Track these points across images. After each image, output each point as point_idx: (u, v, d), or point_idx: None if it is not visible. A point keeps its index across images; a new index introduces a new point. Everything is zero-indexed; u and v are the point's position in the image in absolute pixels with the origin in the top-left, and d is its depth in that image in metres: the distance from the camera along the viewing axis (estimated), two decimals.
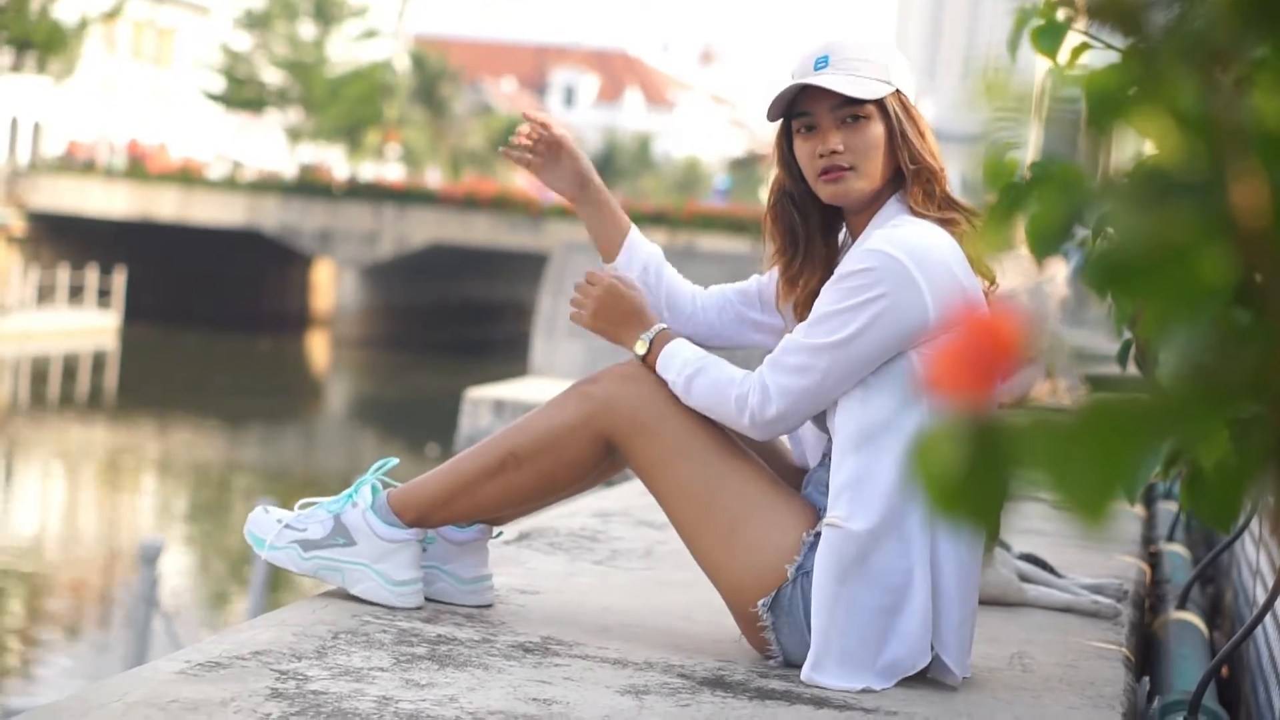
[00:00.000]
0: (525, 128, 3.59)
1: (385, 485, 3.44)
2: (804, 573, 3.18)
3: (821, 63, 3.19)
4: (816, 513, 3.24)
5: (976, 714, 3.04)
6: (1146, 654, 4.21)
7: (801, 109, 3.22)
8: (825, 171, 3.19)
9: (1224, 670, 4.18)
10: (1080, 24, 1.98)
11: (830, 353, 3.07)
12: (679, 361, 3.25)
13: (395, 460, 3.49)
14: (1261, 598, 3.99)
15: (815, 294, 3.28)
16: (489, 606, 3.47)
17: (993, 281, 3.19)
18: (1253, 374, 0.81)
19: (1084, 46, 1.98)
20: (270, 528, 3.42)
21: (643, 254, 3.56)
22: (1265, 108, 0.80)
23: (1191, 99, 0.79)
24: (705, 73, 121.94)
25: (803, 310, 3.33)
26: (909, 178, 3.18)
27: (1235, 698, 4.25)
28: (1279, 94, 0.80)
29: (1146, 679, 3.81)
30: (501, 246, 46.54)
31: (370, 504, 3.38)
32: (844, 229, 3.36)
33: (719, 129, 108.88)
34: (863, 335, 3.06)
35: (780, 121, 3.29)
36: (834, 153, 3.17)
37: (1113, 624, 4.11)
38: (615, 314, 3.36)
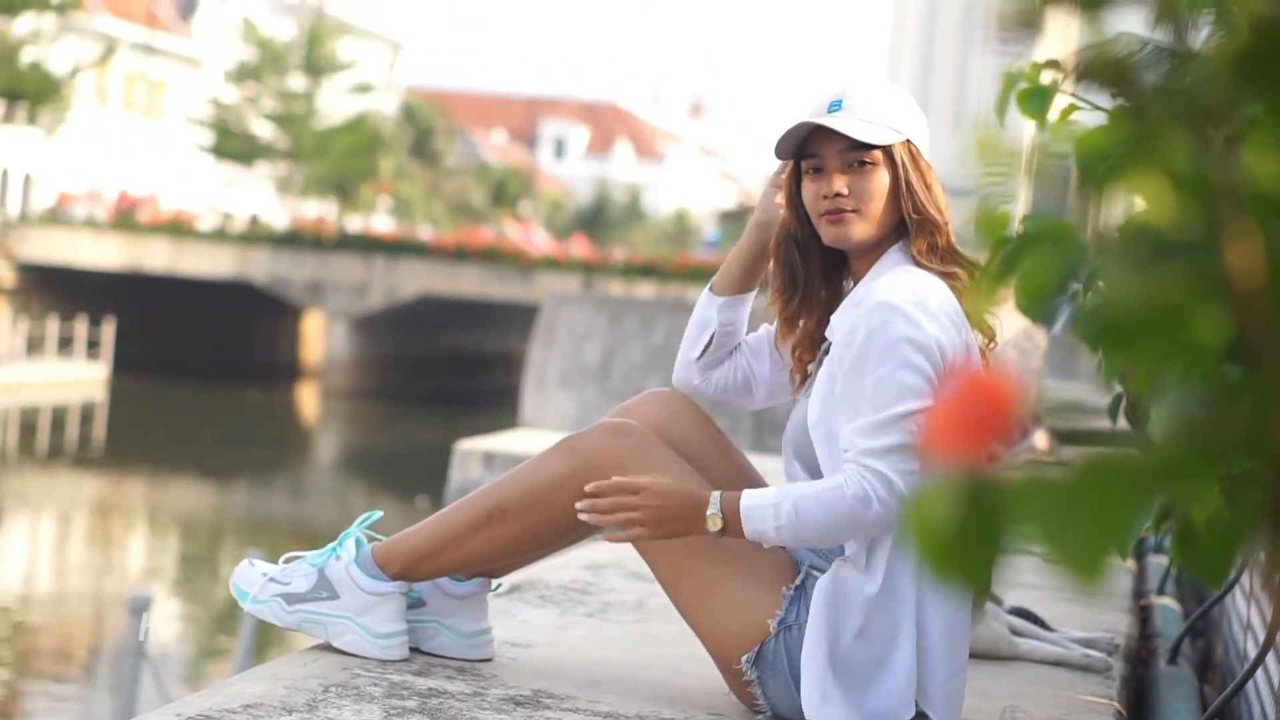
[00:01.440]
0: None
1: (370, 539, 3.44)
2: (786, 626, 3.18)
3: (835, 105, 3.20)
4: (796, 565, 3.24)
5: None
6: (1138, 708, 4.20)
7: (811, 150, 3.24)
8: (828, 213, 3.20)
9: None
10: (1068, 85, 1.99)
11: (913, 415, 3.02)
12: (768, 508, 3.10)
13: (379, 513, 3.49)
14: (1253, 652, 3.98)
15: (813, 336, 3.28)
16: (489, 660, 3.46)
17: (991, 339, 3.18)
18: (1245, 431, 0.81)
19: (1072, 108, 1.99)
20: (255, 581, 3.42)
21: (739, 317, 3.51)
22: (1259, 167, 0.80)
23: (1185, 159, 0.80)
24: (695, 125, 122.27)
25: (802, 351, 3.32)
26: (912, 228, 3.19)
27: None
28: (1273, 153, 0.80)
29: None
30: (491, 298, 46.58)
31: (354, 557, 3.38)
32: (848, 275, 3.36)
33: (709, 181, 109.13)
34: (917, 383, 3.03)
35: (791, 164, 3.30)
36: (838, 195, 3.18)
37: (1104, 678, 4.10)
38: (676, 512, 3.16)
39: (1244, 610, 4.38)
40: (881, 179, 3.19)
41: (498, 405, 41.51)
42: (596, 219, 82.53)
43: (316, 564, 3.41)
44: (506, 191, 74.22)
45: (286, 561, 3.46)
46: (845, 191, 3.18)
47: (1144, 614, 5.44)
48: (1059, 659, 4.17)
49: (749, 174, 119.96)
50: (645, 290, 43.70)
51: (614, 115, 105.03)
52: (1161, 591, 5.65)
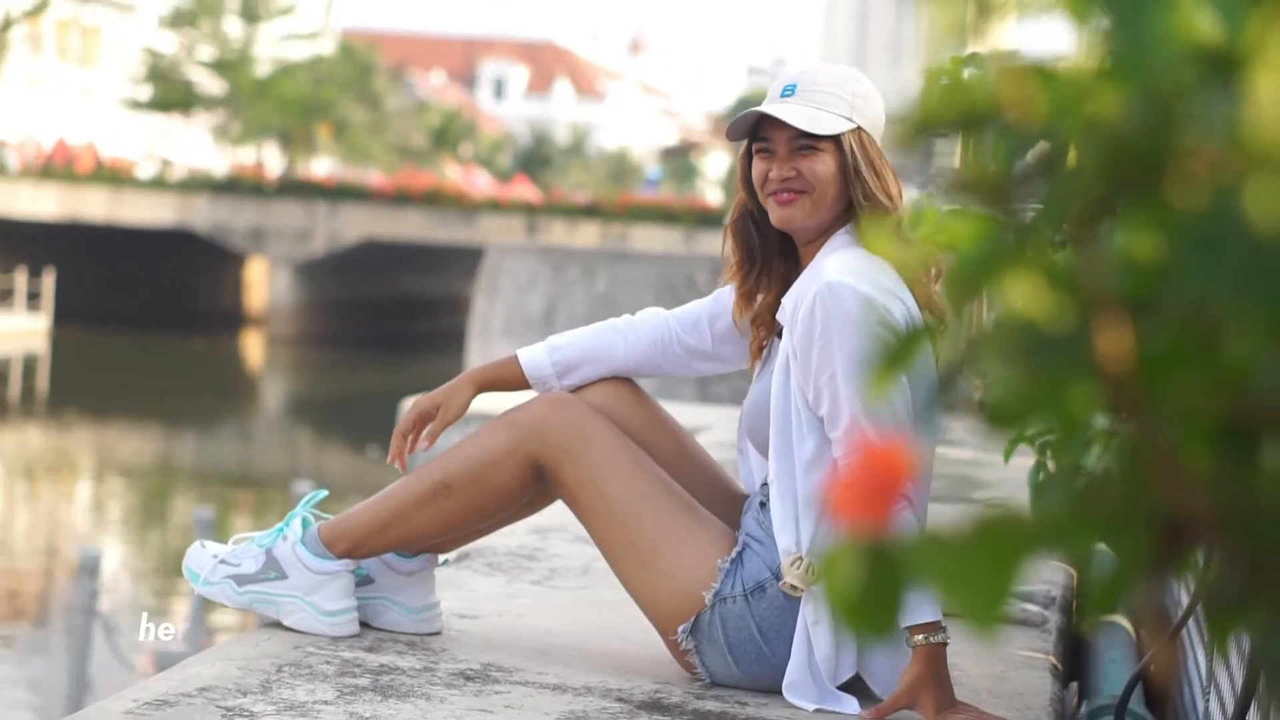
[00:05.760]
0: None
1: (317, 518, 3.51)
2: (721, 599, 3.27)
3: (788, 91, 3.26)
4: (734, 536, 3.34)
5: None
6: (1076, 656, 4.29)
7: (762, 134, 3.30)
8: (776, 193, 3.26)
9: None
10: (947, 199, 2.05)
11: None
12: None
13: (325, 492, 3.57)
14: (1186, 598, 4.08)
15: (772, 309, 3.35)
16: (438, 634, 3.54)
17: (942, 319, 3.19)
18: (1121, 506, 0.89)
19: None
20: (206, 563, 3.49)
21: (554, 370, 3.56)
22: (1128, 253, 0.87)
23: (1056, 259, 0.87)
24: (635, 62, 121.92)
25: (759, 325, 3.40)
26: (860, 213, 3.25)
27: (1163, 699, 4.34)
28: (1139, 247, 0.87)
29: (1074, 685, 3.90)
30: (434, 241, 46.51)
31: (300, 537, 3.45)
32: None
33: (650, 119, 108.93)
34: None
35: (746, 143, 3.35)
36: (786, 178, 3.25)
37: (1040, 631, 4.19)
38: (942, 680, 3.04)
39: None
40: (828, 165, 3.25)
41: (443, 347, 41.50)
42: (537, 159, 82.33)
43: (264, 545, 3.48)
44: (447, 133, 73.90)
45: (235, 543, 3.53)
46: (793, 174, 3.25)
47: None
48: None
49: (690, 111, 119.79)
50: (589, 230, 43.73)
51: (553, 54, 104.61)
52: None
